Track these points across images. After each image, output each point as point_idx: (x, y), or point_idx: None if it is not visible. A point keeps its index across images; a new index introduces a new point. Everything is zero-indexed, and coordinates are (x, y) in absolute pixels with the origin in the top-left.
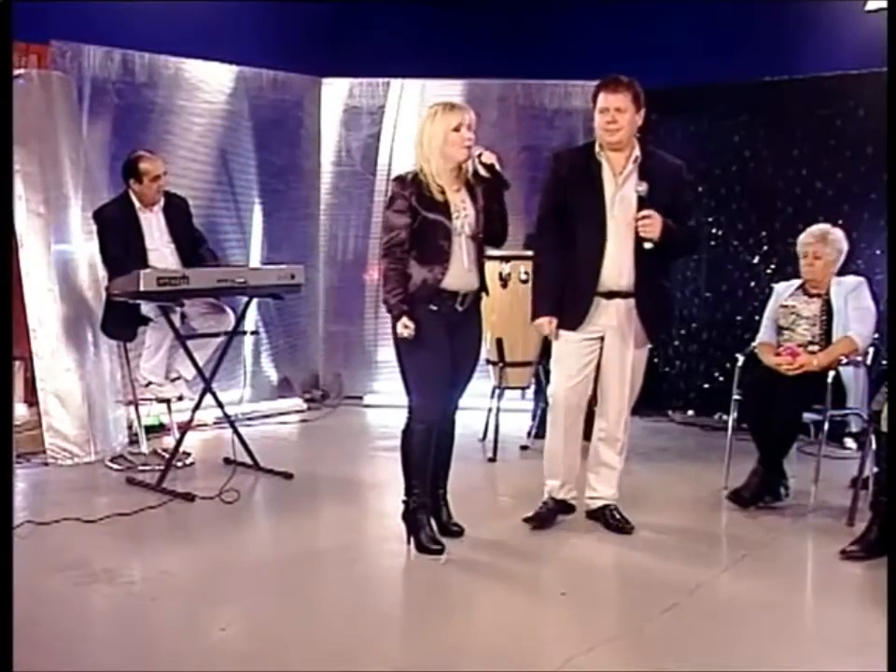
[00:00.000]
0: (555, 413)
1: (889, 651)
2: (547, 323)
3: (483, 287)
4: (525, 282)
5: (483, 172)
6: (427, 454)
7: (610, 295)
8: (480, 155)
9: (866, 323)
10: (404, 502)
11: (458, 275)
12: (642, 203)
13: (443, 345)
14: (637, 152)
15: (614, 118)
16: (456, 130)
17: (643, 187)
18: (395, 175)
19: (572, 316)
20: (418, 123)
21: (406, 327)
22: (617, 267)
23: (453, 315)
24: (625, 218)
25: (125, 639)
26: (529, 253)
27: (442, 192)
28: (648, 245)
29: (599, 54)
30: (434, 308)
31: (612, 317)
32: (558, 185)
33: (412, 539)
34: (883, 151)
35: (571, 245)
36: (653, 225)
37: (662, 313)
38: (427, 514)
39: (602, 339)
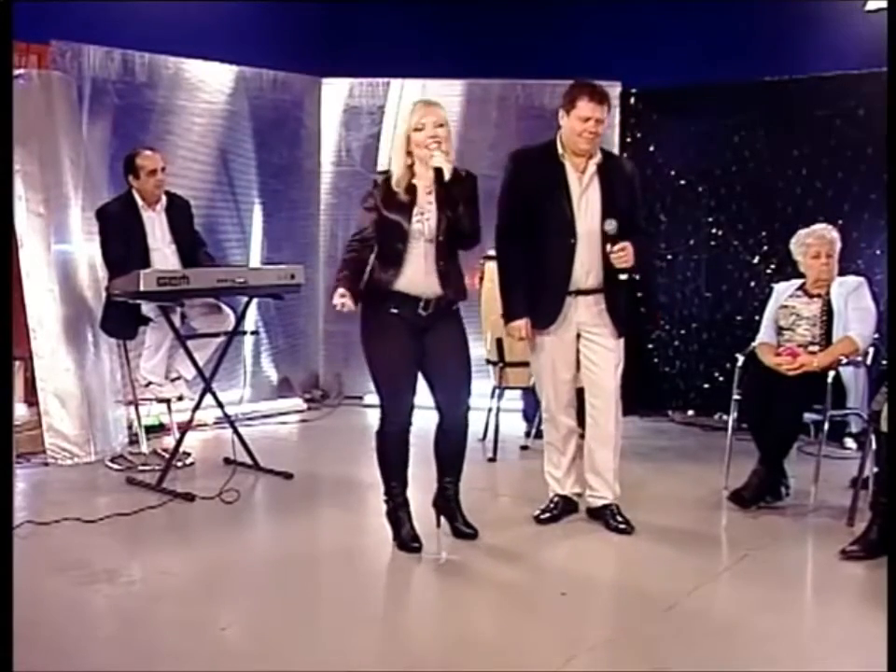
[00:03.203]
0: (549, 413)
1: (889, 651)
2: (524, 325)
3: (459, 293)
4: None
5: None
6: (401, 453)
7: (578, 293)
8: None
9: (866, 323)
10: (385, 502)
11: (415, 280)
12: (608, 237)
13: (406, 348)
14: (598, 154)
15: (595, 129)
16: (418, 130)
17: (612, 225)
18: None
19: (544, 316)
20: None
21: (343, 296)
22: (585, 269)
23: (417, 319)
24: (592, 219)
25: (125, 639)
26: None
27: (409, 192)
28: (623, 276)
29: (600, 54)
30: (395, 311)
31: (583, 314)
32: (521, 186)
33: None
34: (883, 151)
35: (538, 248)
36: (628, 256)
37: (631, 307)
38: (408, 512)
39: (578, 336)
